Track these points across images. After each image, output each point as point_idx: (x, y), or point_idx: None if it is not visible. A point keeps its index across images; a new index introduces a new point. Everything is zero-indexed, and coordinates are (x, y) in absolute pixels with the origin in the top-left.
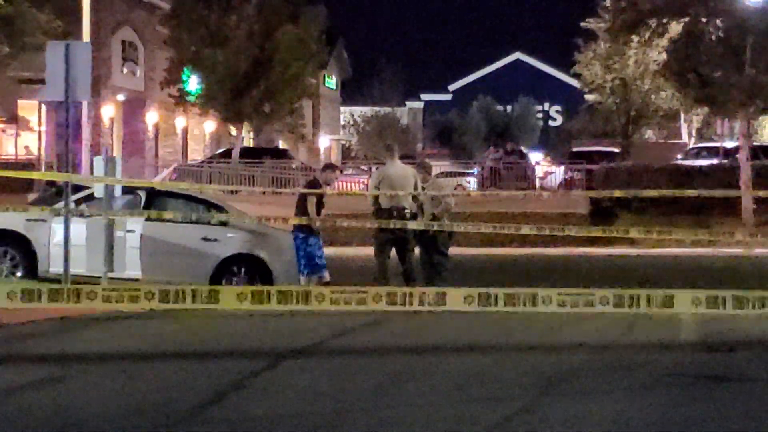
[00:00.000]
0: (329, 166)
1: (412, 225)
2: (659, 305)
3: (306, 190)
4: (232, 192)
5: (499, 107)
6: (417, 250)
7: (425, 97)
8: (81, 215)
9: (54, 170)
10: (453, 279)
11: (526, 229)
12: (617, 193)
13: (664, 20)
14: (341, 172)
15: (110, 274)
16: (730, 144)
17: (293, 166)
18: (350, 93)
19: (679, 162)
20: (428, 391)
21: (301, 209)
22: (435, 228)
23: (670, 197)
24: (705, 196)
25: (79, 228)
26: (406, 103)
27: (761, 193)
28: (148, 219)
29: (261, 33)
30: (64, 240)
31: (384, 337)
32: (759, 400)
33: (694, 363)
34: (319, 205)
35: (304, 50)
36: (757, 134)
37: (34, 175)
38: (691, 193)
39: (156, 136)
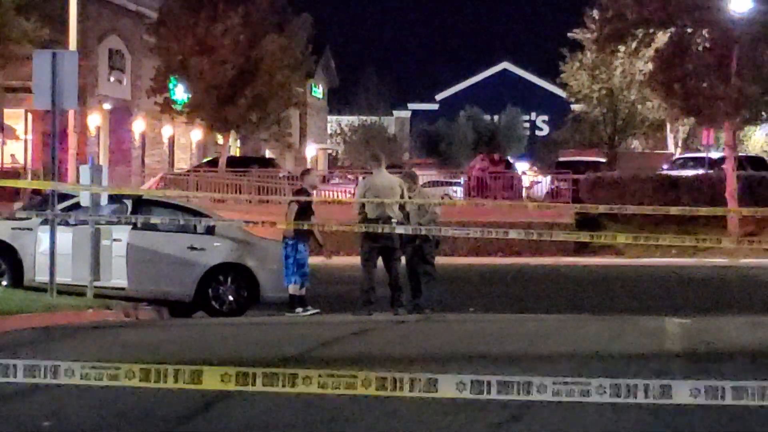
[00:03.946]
0: (307, 171)
1: (398, 229)
2: (656, 396)
3: (294, 197)
4: (218, 200)
5: (486, 117)
6: (403, 260)
7: (412, 106)
8: (67, 224)
9: (40, 179)
10: (439, 289)
11: (514, 234)
12: (602, 209)
13: (651, 30)
14: (325, 179)
15: (96, 283)
16: (715, 154)
17: (280, 175)
18: (337, 102)
19: (665, 172)
20: (413, 400)
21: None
22: (422, 233)
23: (657, 207)
24: (691, 205)
25: (65, 236)
26: (394, 112)
27: (744, 212)
28: (134, 228)
29: (247, 42)
30: (50, 249)
31: (372, 346)
32: (744, 412)
33: (680, 372)
34: (308, 213)
35: (290, 59)
36: (743, 145)
37: (20, 183)
38: (675, 211)
39: (142, 145)
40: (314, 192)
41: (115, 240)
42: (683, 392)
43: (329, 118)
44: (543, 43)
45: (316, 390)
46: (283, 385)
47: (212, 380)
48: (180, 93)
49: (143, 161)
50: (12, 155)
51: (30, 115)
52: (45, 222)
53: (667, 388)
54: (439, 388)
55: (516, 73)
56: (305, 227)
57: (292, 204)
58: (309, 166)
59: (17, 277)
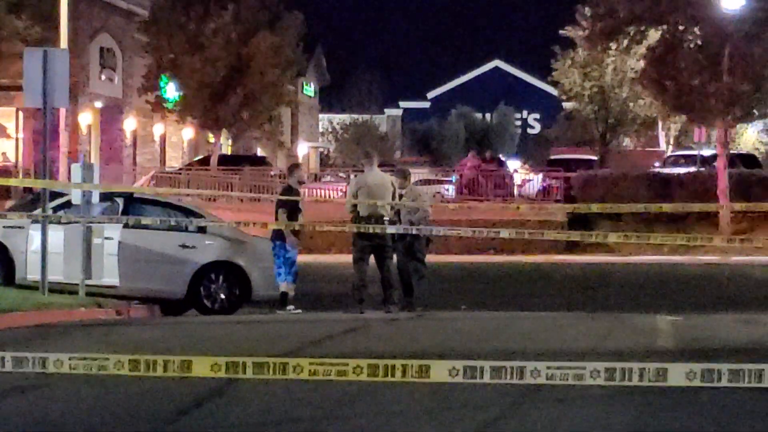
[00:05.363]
0: (294, 166)
1: (390, 229)
2: (652, 379)
3: (283, 197)
4: (210, 199)
5: (478, 115)
6: (395, 258)
7: (404, 104)
8: (58, 222)
9: (31, 177)
10: (430, 286)
11: (505, 233)
12: (595, 208)
13: (643, 28)
14: (317, 178)
15: (88, 282)
16: (707, 152)
17: (271, 173)
18: (329, 100)
19: (657, 170)
20: (406, 397)
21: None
22: (414, 231)
23: (648, 204)
24: (683, 202)
25: (56, 235)
26: (385, 110)
27: (737, 206)
28: (125, 226)
29: (238, 40)
30: (41, 247)
31: (362, 343)
32: (736, 406)
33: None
34: (296, 211)
35: (281, 57)
36: (735, 142)
37: (11, 182)
38: (667, 207)
39: (134, 143)
40: (300, 188)
41: (106, 238)
42: (679, 375)
43: (321, 116)
44: (534, 41)
45: (307, 377)
46: (274, 374)
47: (202, 370)
48: (171, 91)
49: (134, 159)
50: (3, 153)
51: (21, 114)
52: (37, 220)
53: (662, 371)
54: (432, 373)
55: (507, 71)
56: (296, 228)
57: (280, 210)
58: (297, 161)
59: (9, 276)
